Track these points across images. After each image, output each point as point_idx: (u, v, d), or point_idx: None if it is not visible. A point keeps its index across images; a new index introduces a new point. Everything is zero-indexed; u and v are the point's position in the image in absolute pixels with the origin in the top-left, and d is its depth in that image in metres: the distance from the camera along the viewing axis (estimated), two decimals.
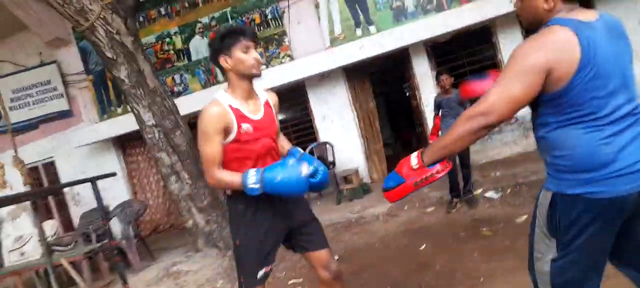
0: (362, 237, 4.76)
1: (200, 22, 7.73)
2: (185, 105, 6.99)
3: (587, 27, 1.42)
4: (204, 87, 7.73)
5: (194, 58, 7.82)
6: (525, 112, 6.73)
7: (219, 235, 5.08)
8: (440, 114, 5.02)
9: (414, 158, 1.61)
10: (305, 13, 7.27)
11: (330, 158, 7.18)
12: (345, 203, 6.33)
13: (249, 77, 2.02)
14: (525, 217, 4.07)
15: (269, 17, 7.44)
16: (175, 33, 7.86)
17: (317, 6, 7.21)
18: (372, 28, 7.04)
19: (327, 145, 7.29)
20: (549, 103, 1.46)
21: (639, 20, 6.30)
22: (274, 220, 2.09)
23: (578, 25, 1.41)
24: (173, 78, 7.92)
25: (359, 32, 7.08)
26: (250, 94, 2.07)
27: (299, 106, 7.95)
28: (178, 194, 5.11)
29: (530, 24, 1.59)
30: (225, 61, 2.01)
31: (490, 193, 5.01)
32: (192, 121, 7.81)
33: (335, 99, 7.41)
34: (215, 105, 1.97)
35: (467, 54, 7.16)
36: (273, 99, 2.21)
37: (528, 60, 1.40)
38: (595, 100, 1.40)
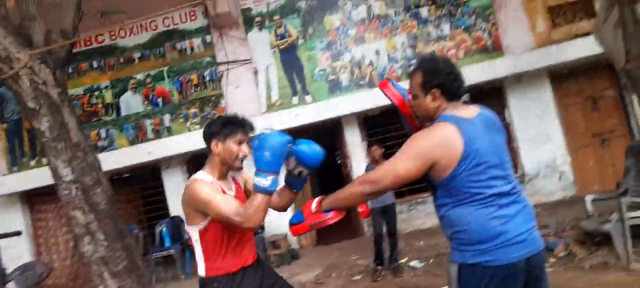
0: None
1: (134, 78, 7.58)
2: (109, 160, 6.65)
3: (468, 122, 1.70)
4: (132, 143, 7.44)
5: (123, 113, 7.57)
6: None
7: None
8: None
9: (314, 203, 1.88)
10: (244, 78, 7.41)
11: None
12: None
13: (230, 168, 2.12)
14: (446, 287, 4.22)
15: (207, 79, 7.49)
16: (106, 87, 7.62)
17: (255, 72, 7.39)
18: (308, 98, 7.30)
19: None
20: (442, 188, 1.72)
21: (544, 109, 7.10)
22: None
23: (460, 122, 1.69)
24: (98, 132, 7.57)
25: (295, 100, 7.31)
26: (225, 176, 2.18)
27: None
28: (90, 256, 4.70)
29: (423, 119, 1.90)
30: (216, 146, 2.08)
31: (414, 263, 5.17)
32: (115, 177, 7.42)
33: None
34: (201, 180, 2.04)
35: (396, 128, 7.59)
36: (241, 179, 2.30)
37: (417, 148, 1.69)
38: (479, 183, 1.66)
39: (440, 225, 1.83)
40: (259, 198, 1.88)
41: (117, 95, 7.58)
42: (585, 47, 6.38)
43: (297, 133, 7.35)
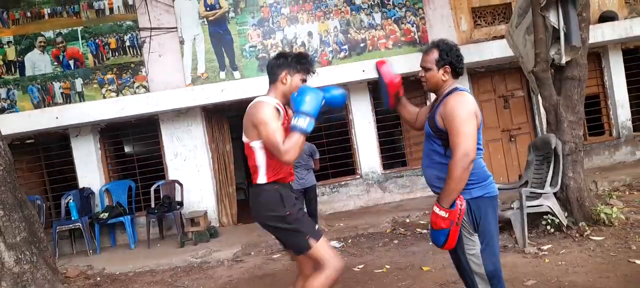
0: (202, 283, 4.53)
1: (43, 36, 6.87)
2: (8, 123, 6.05)
3: (473, 94, 2.29)
4: (37, 107, 6.77)
5: (28, 73, 6.85)
6: (368, 169, 7.30)
7: (31, 277, 4.31)
8: None
9: (440, 211, 2.10)
10: (168, 47, 7.02)
11: (177, 198, 6.80)
12: (189, 247, 5.98)
13: (287, 100, 2.42)
14: (362, 266, 4.36)
15: (127, 44, 6.99)
16: (8, 42, 6.83)
17: (182, 42, 7.03)
18: (236, 73, 7.11)
19: (176, 184, 6.91)
20: None
21: None
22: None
23: (471, 93, 2.22)
24: None
25: (222, 75, 7.08)
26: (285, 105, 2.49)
27: (150, 141, 7.47)
28: None
29: (431, 89, 2.37)
30: (285, 78, 2.40)
31: (333, 243, 5.27)
32: (16, 143, 6.72)
33: (190, 137, 7.16)
34: (268, 104, 2.34)
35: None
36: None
37: (469, 112, 2.14)
38: (480, 140, 2.23)
39: (440, 170, 2.23)
40: (296, 137, 2.21)
41: (22, 53, 6.84)
42: (501, 49, 6.84)
43: (223, 109, 7.17)
